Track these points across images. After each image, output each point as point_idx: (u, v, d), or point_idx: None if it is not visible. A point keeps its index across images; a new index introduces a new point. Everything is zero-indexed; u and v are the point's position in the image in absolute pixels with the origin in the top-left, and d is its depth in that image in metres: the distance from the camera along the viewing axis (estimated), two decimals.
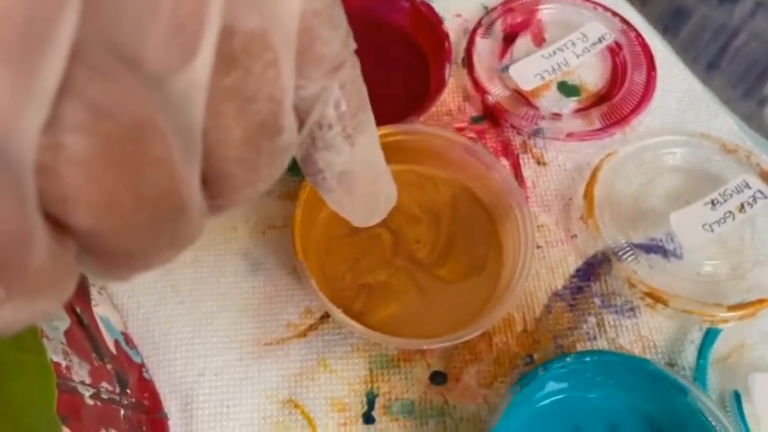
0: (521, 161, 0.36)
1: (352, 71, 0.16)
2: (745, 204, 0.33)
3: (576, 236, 0.34)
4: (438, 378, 0.31)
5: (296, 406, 0.30)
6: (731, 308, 0.31)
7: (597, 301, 0.33)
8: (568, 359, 0.28)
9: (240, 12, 0.12)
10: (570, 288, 0.33)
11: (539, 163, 0.36)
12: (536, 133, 0.36)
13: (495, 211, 0.33)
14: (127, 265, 0.14)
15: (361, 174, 0.18)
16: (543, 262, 0.34)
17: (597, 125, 0.36)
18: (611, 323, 0.32)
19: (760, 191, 0.33)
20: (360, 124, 0.17)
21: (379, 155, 0.19)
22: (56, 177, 0.11)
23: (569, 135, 0.36)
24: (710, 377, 0.31)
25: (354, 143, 0.17)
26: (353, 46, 0.16)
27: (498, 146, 0.37)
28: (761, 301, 0.31)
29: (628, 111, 0.37)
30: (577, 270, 0.34)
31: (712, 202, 0.33)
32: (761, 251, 0.33)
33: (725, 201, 0.33)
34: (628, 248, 0.33)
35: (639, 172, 0.35)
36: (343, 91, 0.16)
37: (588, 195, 0.34)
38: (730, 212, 0.33)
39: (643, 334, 0.32)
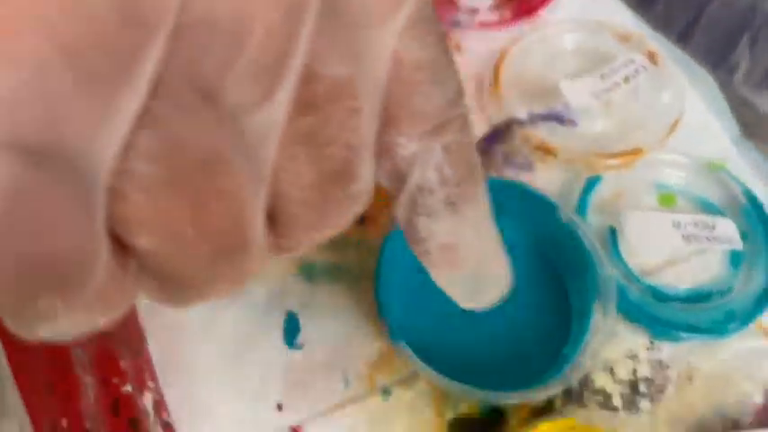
0: None
1: (460, 135, 0.15)
2: (630, 77, 0.38)
3: (486, 108, 0.39)
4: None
5: None
6: (611, 156, 0.36)
7: (500, 159, 0.38)
8: None
9: (327, 57, 0.12)
10: (477, 149, 0.38)
11: (456, 49, 0.41)
12: (454, 25, 0.42)
13: None
14: (182, 293, 0.14)
15: (466, 250, 0.17)
16: None
17: (508, 17, 0.41)
18: (512, 177, 0.37)
19: (643, 66, 0.38)
20: (465, 194, 0.16)
21: (489, 234, 0.18)
22: (123, 200, 0.11)
23: (481, 24, 0.41)
24: (592, 220, 0.36)
25: (458, 212, 0.16)
26: (464, 108, 0.15)
27: None
28: (636, 151, 0.36)
29: (537, 3, 0.42)
30: (484, 135, 0.39)
31: (601, 75, 0.38)
32: (643, 117, 0.38)
33: (613, 74, 0.38)
34: (529, 117, 0.38)
35: (543, 55, 0.40)
36: (447, 154, 0.15)
37: (496, 73, 0.39)
38: (617, 83, 0.38)
39: (538, 185, 0.37)
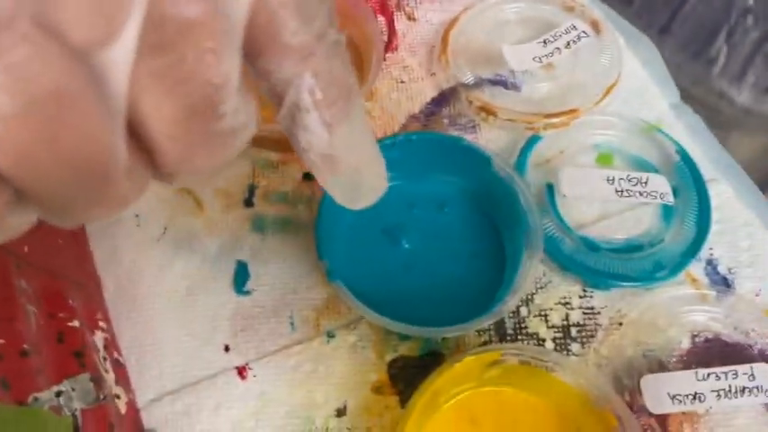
0: (395, 17, 0.43)
1: (328, 62, 0.16)
2: (571, 42, 0.40)
3: (434, 74, 0.41)
4: (309, 176, 0.38)
5: (188, 192, 0.37)
6: (548, 115, 0.37)
7: (446, 120, 0.39)
8: (398, 137, 0.34)
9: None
10: (424, 112, 0.40)
11: (410, 19, 0.43)
12: None
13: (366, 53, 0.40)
14: (60, 215, 0.15)
15: (345, 160, 0.18)
16: (405, 93, 0.40)
17: None
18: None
19: (584, 32, 0.40)
20: (339, 113, 0.17)
21: (366, 146, 0.19)
22: None
23: None
24: (532, 177, 0.37)
25: (333, 131, 0.17)
26: (334, 37, 0.16)
27: (377, 6, 0.43)
28: (573, 111, 0.38)
29: None
30: (432, 99, 0.40)
31: (544, 41, 0.40)
32: (583, 81, 0.40)
33: (555, 40, 0.40)
34: (475, 81, 0.40)
35: (491, 23, 0.42)
36: (316, 80, 0.16)
37: (445, 39, 0.41)
38: (558, 49, 0.40)
39: (481, 143, 0.38)
